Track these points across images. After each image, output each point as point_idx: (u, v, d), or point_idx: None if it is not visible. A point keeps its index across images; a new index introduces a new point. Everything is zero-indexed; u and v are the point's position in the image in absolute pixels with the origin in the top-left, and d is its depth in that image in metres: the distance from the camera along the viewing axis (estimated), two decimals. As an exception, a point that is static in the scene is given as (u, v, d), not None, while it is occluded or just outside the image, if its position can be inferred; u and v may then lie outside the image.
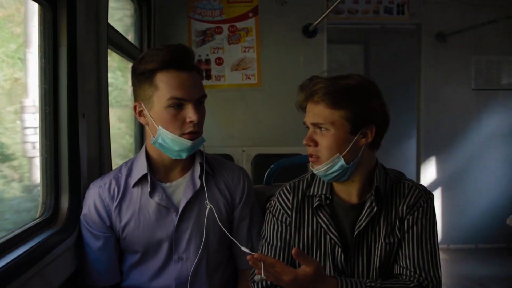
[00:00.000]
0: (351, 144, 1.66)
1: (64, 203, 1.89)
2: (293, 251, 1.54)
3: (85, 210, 1.87)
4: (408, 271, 1.69)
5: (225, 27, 4.38)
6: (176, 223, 1.85)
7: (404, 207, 1.73)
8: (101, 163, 2.20)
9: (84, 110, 2.00)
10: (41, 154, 1.85)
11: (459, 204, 5.77)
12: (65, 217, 1.87)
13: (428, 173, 5.72)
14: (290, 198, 1.83)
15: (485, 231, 5.75)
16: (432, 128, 5.69)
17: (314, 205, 1.77)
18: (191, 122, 1.77)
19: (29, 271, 1.48)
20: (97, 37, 2.19)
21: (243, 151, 4.42)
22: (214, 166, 1.96)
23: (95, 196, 1.86)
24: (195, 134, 1.80)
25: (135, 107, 1.83)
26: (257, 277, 1.56)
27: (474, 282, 4.77)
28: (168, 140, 1.77)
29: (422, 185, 1.79)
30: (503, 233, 5.51)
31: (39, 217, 1.82)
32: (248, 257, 1.50)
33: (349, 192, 1.76)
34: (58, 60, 1.88)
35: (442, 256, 5.31)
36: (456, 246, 5.77)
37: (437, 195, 5.73)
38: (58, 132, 1.89)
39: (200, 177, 1.89)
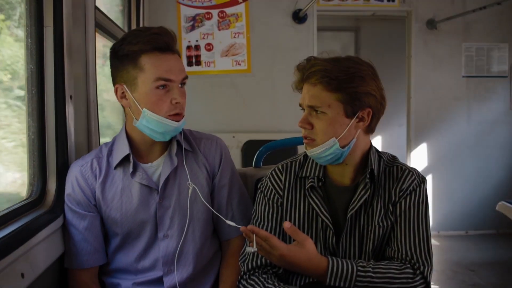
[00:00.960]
0: (347, 127, 1.65)
1: (52, 185, 1.87)
2: (285, 224, 1.55)
3: (68, 190, 1.85)
4: (400, 254, 1.69)
5: (214, 12, 4.35)
6: (158, 201, 1.85)
7: (397, 191, 1.73)
8: (89, 145, 2.18)
9: (71, 92, 1.98)
10: (28, 135, 1.82)
11: (449, 191, 5.81)
12: (52, 199, 1.85)
13: (418, 160, 5.74)
14: (282, 178, 1.82)
15: (475, 217, 5.81)
16: (422, 115, 5.72)
17: (307, 187, 1.76)
18: (177, 103, 1.77)
19: (15, 252, 1.46)
20: (85, 19, 2.16)
21: (233, 137, 4.41)
22: (191, 142, 1.96)
23: (78, 175, 1.85)
24: (180, 115, 1.80)
25: (116, 89, 1.81)
26: (249, 249, 1.55)
27: (464, 267, 4.81)
28: (153, 122, 1.76)
29: (415, 169, 1.80)
30: (493, 219, 5.57)
31: (26, 199, 1.80)
32: (241, 228, 1.52)
33: (342, 174, 1.76)
34: (44, 41, 1.86)
35: (432, 242, 5.37)
36: (446, 232, 5.82)
37: (427, 182, 5.71)
38: (44, 113, 1.87)
39: (177, 155, 1.89)
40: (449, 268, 4.77)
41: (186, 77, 1.83)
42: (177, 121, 1.79)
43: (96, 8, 2.34)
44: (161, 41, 1.76)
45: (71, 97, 1.97)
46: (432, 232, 5.59)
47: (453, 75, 5.73)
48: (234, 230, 1.94)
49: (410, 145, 5.78)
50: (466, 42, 5.69)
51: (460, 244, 5.57)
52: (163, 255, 1.87)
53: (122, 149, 1.86)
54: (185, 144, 1.91)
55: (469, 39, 5.69)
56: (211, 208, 1.88)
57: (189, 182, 1.86)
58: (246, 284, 1.74)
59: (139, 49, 1.74)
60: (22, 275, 1.50)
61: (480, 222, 5.79)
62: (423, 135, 5.76)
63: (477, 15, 5.35)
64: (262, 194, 1.84)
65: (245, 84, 4.47)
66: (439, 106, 5.73)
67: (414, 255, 1.68)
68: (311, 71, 1.64)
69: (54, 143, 1.88)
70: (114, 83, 1.83)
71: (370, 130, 1.74)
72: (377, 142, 7.51)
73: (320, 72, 1.62)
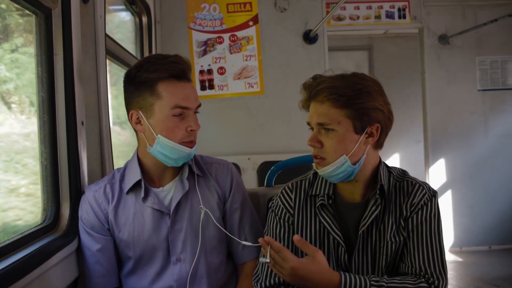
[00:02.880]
0: (357, 144, 1.65)
1: (65, 210, 1.90)
2: (295, 237, 1.55)
3: (82, 213, 1.89)
4: (414, 269, 1.67)
5: (226, 36, 4.41)
6: (169, 225, 1.87)
7: (408, 205, 1.72)
8: (103, 171, 2.22)
9: (83, 118, 2.02)
10: (41, 161, 1.86)
11: (470, 206, 5.72)
12: (66, 224, 1.88)
13: (437, 176, 5.68)
14: (292, 197, 1.82)
15: (497, 232, 5.70)
16: (439, 131, 5.67)
17: (317, 205, 1.76)
18: (192, 131, 1.81)
19: (29, 275, 1.49)
20: (95, 46, 2.21)
21: (249, 159, 4.43)
22: (202, 166, 1.98)
23: (91, 200, 1.88)
24: (193, 143, 1.84)
25: (131, 115, 1.84)
26: (262, 259, 1.56)
27: (488, 283, 4.72)
28: (167, 148, 1.79)
29: (425, 183, 1.78)
30: (516, 233, 5.48)
31: (40, 224, 1.83)
32: (259, 239, 1.55)
33: (352, 191, 1.75)
34: (54, 69, 1.90)
35: (455, 258, 5.31)
36: (469, 248, 5.71)
37: (447, 197, 5.70)
38: (56, 139, 1.91)
39: (188, 179, 1.91)
40: (473, 284, 4.69)
41: (200, 105, 1.86)
42: (190, 148, 1.82)
43: (107, 35, 2.39)
44: (178, 69, 1.80)
45: (82, 123, 2.00)
46: (454, 248, 5.53)
47: (468, 89, 5.68)
48: (248, 254, 1.97)
49: (428, 161, 5.72)
50: (479, 55, 5.66)
51: (483, 259, 5.46)
52: (177, 279, 1.88)
53: (134, 175, 1.89)
54: (196, 169, 1.93)
55: (483, 52, 5.65)
56: (223, 230, 1.88)
57: (201, 206, 1.87)
58: (259, 303, 1.73)
59: (156, 76, 1.77)
60: None
61: (503, 236, 5.69)
62: (440, 150, 5.71)
63: (489, 28, 5.33)
64: (273, 213, 1.85)
65: (258, 106, 4.50)
66: (455, 121, 5.68)
67: (428, 270, 1.65)
68: (318, 88, 1.64)
69: (66, 168, 1.92)
70: (128, 109, 1.86)
71: (379, 145, 1.73)
72: (395, 159, 7.47)
73: (328, 89, 1.62)
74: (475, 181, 5.73)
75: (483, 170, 5.71)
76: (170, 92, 1.77)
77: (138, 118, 1.83)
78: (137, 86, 1.80)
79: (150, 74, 1.78)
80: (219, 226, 1.87)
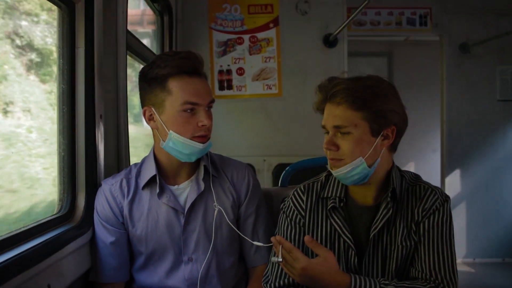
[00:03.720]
0: (374, 146, 1.65)
1: (81, 201, 1.93)
2: (306, 238, 1.55)
3: (98, 206, 1.92)
4: (424, 275, 1.67)
5: (246, 37, 4.41)
6: (183, 224, 1.88)
7: (420, 210, 1.71)
8: (119, 163, 2.24)
9: (101, 112, 2.05)
10: (59, 152, 1.89)
11: (485, 218, 5.66)
12: (81, 215, 1.90)
13: (453, 186, 5.64)
14: (304, 199, 1.83)
15: (511, 244, 5.63)
16: (456, 140, 5.63)
17: (328, 207, 1.76)
18: (203, 126, 1.81)
19: (43, 262, 1.52)
20: (116, 42, 2.24)
21: (264, 160, 4.43)
22: (219, 167, 1.99)
23: (107, 193, 1.91)
24: (205, 137, 1.84)
25: (144, 112, 1.87)
26: (273, 258, 1.57)
27: (501, 295, 4.68)
28: (179, 143, 1.81)
29: (438, 188, 1.77)
30: (530, 247, 5.42)
31: (55, 213, 1.85)
32: (272, 238, 1.56)
33: (364, 194, 1.75)
34: (76, 62, 1.93)
35: (468, 270, 5.26)
36: (482, 260, 5.66)
37: (463, 208, 5.65)
38: (75, 131, 1.93)
39: (204, 180, 1.92)
40: (485, 296, 4.66)
41: (212, 101, 1.87)
42: (203, 143, 1.83)
43: (128, 32, 2.41)
44: (189, 65, 1.81)
45: (101, 116, 2.03)
46: (468, 260, 5.48)
47: (488, 98, 5.63)
48: (259, 258, 1.99)
49: (444, 170, 5.68)
50: (500, 65, 5.61)
51: (496, 271, 5.40)
52: (188, 278, 1.90)
53: (150, 170, 1.91)
54: (212, 170, 1.94)
55: (504, 62, 5.60)
56: (236, 229, 1.89)
57: (215, 204, 1.89)
58: (268, 303, 1.74)
59: (167, 72, 1.79)
60: (49, 286, 1.54)
61: (518, 249, 5.63)
62: (457, 160, 5.66)
63: (511, 38, 5.28)
64: (285, 215, 1.85)
65: (275, 108, 4.50)
66: (474, 131, 5.63)
67: (439, 275, 1.65)
68: (334, 90, 1.64)
69: (83, 160, 1.95)
70: (142, 106, 1.88)
71: (393, 148, 1.73)
72: (410, 167, 7.42)
73: (344, 91, 1.62)
74: (491, 193, 5.67)
75: (499, 181, 5.66)
76: (180, 88, 1.79)
77: (151, 114, 1.85)
78: (149, 82, 1.83)
79: (160, 70, 1.80)
80: (232, 225, 1.88)
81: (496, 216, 5.66)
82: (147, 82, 1.83)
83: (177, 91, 1.79)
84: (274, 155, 4.48)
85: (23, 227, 1.61)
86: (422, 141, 7.07)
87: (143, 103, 1.87)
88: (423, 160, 7.16)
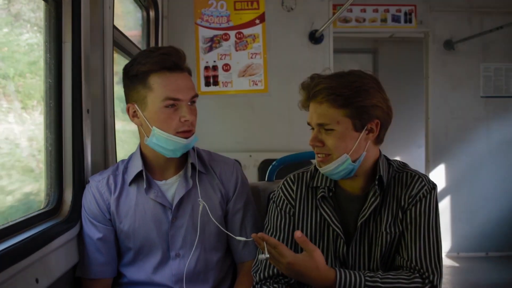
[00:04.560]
0: (358, 141, 1.67)
1: (68, 195, 1.92)
2: (296, 233, 1.56)
3: (85, 202, 1.92)
4: (409, 263, 1.69)
5: (232, 33, 4.42)
6: (170, 219, 1.88)
7: (407, 197, 1.74)
8: (106, 158, 2.24)
9: (89, 106, 2.04)
10: (46, 147, 1.88)
11: (469, 212, 5.74)
12: (68, 209, 1.89)
13: (437, 181, 5.67)
14: (294, 188, 1.85)
15: (495, 239, 5.72)
16: (440, 136, 5.70)
17: (318, 197, 1.78)
18: (186, 121, 1.81)
19: (30, 256, 1.51)
20: (103, 37, 2.23)
21: (250, 156, 4.44)
22: (207, 163, 2.00)
23: (94, 190, 1.91)
24: (189, 132, 1.84)
25: (128, 109, 1.87)
26: (261, 256, 1.57)
27: (484, 289, 4.74)
28: (162, 139, 1.81)
29: (425, 175, 1.80)
30: (513, 241, 5.49)
31: (43, 208, 1.85)
32: (253, 235, 1.55)
33: (352, 185, 1.78)
34: (62, 56, 1.93)
35: (452, 263, 5.32)
36: (466, 254, 5.74)
37: (447, 203, 5.72)
38: (62, 126, 1.93)
39: (192, 175, 1.92)
40: (469, 290, 4.72)
41: (195, 96, 1.86)
42: (186, 138, 1.83)
43: (115, 27, 2.41)
44: (169, 61, 1.80)
45: (88, 111, 2.02)
46: (452, 254, 5.54)
47: (472, 95, 5.71)
48: (247, 253, 1.99)
49: (429, 166, 5.75)
50: (484, 62, 5.68)
51: (480, 265, 5.48)
52: (175, 273, 1.90)
53: (136, 166, 1.91)
54: (199, 166, 1.95)
55: (487, 59, 5.68)
56: (221, 227, 1.89)
57: (200, 199, 1.89)
58: (257, 293, 1.75)
59: (148, 69, 1.79)
60: (37, 280, 1.54)
61: (501, 243, 5.71)
62: (441, 156, 5.73)
63: (494, 35, 5.35)
64: (275, 204, 1.87)
65: (262, 104, 4.51)
66: (457, 127, 5.71)
67: (424, 264, 1.67)
68: (316, 89, 1.66)
69: (71, 155, 1.94)
70: (126, 102, 1.89)
71: (379, 140, 1.75)
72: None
73: (326, 90, 1.64)
74: (475, 188, 5.75)
75: (483, 176, 5.74)
76: (161, 84, 1.79)
77: (134, 111, 1.85)
78: (131, 79, 1.83)
79: (142, 67, 1.80)
80: (216, 223, 1.88)
81: (480, 210, 5.74)
82: (129, 79, 1.83)
83: (158, 87, 1.78)
84: (260, 150, 4.49)
85: (11, 221, 1.60)
86: (407, 137, 7.13)
87: (127, 100, 1.87)
88: (408, 156, 7.21)
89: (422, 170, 5.76)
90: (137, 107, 1.83)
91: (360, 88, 1.65)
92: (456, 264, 5.46)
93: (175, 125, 1.80)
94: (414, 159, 6.99)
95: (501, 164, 5.75)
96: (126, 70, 1.85)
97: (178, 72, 1.83)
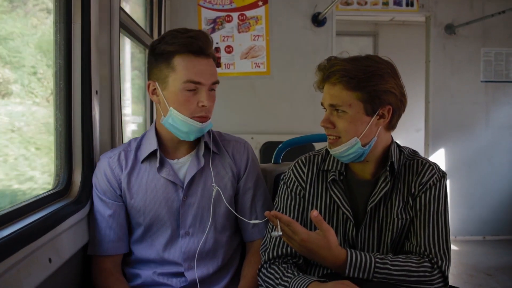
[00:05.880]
0: (368, 125, 1.68)
1: (77, 176, 1.93)
2: (313, 212, 1.58)
3: (96, 179, 1.93)
4: (418, 248, 1.71)
5: (235, 15, 4.41)
6: (181, 198, 1.90)
7: (417, 184, 1.76)
8: (112, 139, 2.25)
9: (97, 87, 2.04)
10: (55, 128, 1.88)
11: (467, 196, 5.78)
12: (78, 190, 1.90)
13: (436, 165, 5.71)
14: (305, 170, 1.86)
15: (492, 223, 5.77)
16: (440, 120, 5.71)
17: (329, 180, 1.80)
18: (203, 106, 1.82)
19: (43, 237, 1.52)
20: (110, 19, 2.23)
21: (252, 138, 4.46)
22: (219, 143, 2.01)
23: (105, 166, 1.92)
24: (205, 118, 1.85)
25: (148, 85, 1.88)
26: (274, 233, 1.58)
27: (481, 272, 4.78)
28: (178, 121, 1.82)
29: (435, 163, 1.82)
30: (510, 225, 5.55)
31: (53, 189, 1.86)
32: (266, 213, 1.56)
33: (363, 170, 1.80)
34: (72, 37, 1.92)
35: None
36: (463, 237, 5.79)
37: (445, 186, 5.73)
38: (71, 106, 1.93)
39: (204, 155, 1.94)
40: (465, 272, 4.75)
41: (216, 82, 1.87)
42: (202, 122, 1.84)
43: (121, 9, 2.40)
44: (196, 45, 1.81)
45: (96, 92, 2.03)
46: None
47: (472, 80, 5.71)
48: (257, 232, 2.02)
49: (428, 149, 5.76)
50: (484, 47, 5.68)
51: (477, 249, 5.53)
52: (184, 251, 1.92)
53: (151, 144, 1.92)
54: (212, 147, 1.96)
55: (488, 44, 5.68)
56: (233, 211, 1.92)
57: (214, 184, 1.91)
58: (266, 273, 1.77)
59: (174, 49, 1.80)
60: (50, 260, 1.55)
61: (498, 227, 5.76)
62: (441, 140, 5.75)
63: (496, 20, 5.35)
64: (285, 186, 1.88)
65: (264, 86, 4.52)
66: (457, 111, 5.72)
67: (433, 250, 1.70)
68: (331, 70, 1.67)
69: (80, 135, 1.94)
70: (148, 79, 1.90)
71: (391, 126, 1.76)
72: (396, 146, 7.49)
73: (340, 72, 1.65)
74: (473, 172, 5.78)
75: (482, 161, 5.77)
76: (184, 66, 1.80)
77: (154, 89, 1.86)
78: (156, 57, 1.84)
79: (168, 47, 1.80)
80: (229, 207, 1.90)
81: (478, 194, 5.78)
82: (154, 56, 1.84)
83: (181, 69, 1.79)
84: (262, 133, 4.51)
85: (22, 202, 1.61)
86: (406, 121, 7.08)
87: (149, 76, 1.89)
88: (407, 139, 7.22)
89: (421, 153, 5.80)
90: (157, 85, 1.84)
91: (374, 73, 1.65)
92: (454, 247, 5.51)
93: (193, 108, 1.82)
94: (413, 142, 7.00)
95: (499, 149, 5.78)
96: (153, 47, 1.86)
97: (202, 57, 1.83)
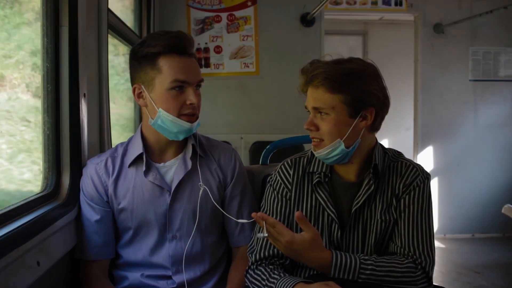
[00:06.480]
0: (351, 127, 1.69)
1: (66, 179, 1.93)
2: (297, 214, 1.59)
3: (83, 185, 1.94)
4: (402, 250, 1.73)
5: (224, 15, 4.42)
6: (169, 202, 1.91)
7: (401, 186, 1.77)
8: (101, 142, 2.25)
9: (85, 90, 2.05)
10: (43, 131, 1.89)
11: (456, 194, 5.83)
12: (66, 193, 1.91)
13: (425, 163, 5.74)
14: (291, 172, 1.87)
15: (481, 220, 5.82)
16: (429, 119, 5.75)
17: (314, 182, 1.81)
18: (191, 104, 1.83)
19: (31, 240, 1.53)
20: (98, 20, 2.23)
21: (241, 138, 4.47)
22: (206, 148, 2.02)
23: (92, 172, 1.93)
24: (193, 116, 1.87)
25: (134, 89, 1.88)
26: (259, 234, 1.60)
27: (470, 269, 4.83)
28: (167, 122, 1.83)
29: (419, 165, 1.83)
30: (499, 223, 5.59)
31: (41, 192, 1.86)
32: (253, 214, 1.58)
33: (347, 172, 1.81)
34: (60, 40, 1.93)
35: (438, 245, 5.40)
36: (452, 235, 5.83)
37: (434, 185, 5.77)
38: (59, 110, 1.93)
39: (192, 159, 1.95)
40: (454, 270, 4.79)
41: (202, 80, 1.89)
42: (191, 122, 1.85)
43: (109, 10, 2.41)
44: (179, 44, 1.83)
45: (84, 95, 2.03)
46: (438, 235, 5.62)
47: (460, 79, 5.76)
48: (243, 238, 2.03)
49: (417, 148, 5.80)
50: (473, 46, 5.73)
51: (466, 247, 5.58)
52: (172, 255, 1.93)
53: (136, 148, 1.93)
54: (199, 150, 1.97)
55: (476, 43, 5.72)
56: (220, 209, 1.93)
57: (200, 183, 1.92)
58: (253, 274, 1.79)
59: (157, 51, 1.81)
60: (38, 263, 1.56)
61: (487, 225, 5.81)
62: (430, 138, 5.79)
63: (484, 19, 5.39)
64: (272, 188, 1.90)
65: (253, 86, 4.52)
66: (446, 110, 5.76)
67: (417, 251, 1.72)
68: (313, 73, 1.69)
69: (68, 138, 1.95)
70: (132, 83, 1.90)
71: (374, 128, 1.78)
72: (384, 145, 7.52)
73: (322, 74, 1.66)
74: (462, 170, 5.82)
75: (470, 159, 5.81)
76: (170, 66, 1.81)
77: (140, 92, 1.86)
78: (140, 60, 1.84)
79: (151, 49, 1.81)
80: (216, 205, 1.91)
81: (467, 193, 5.83)
82: (137, 60, 1.85)
83: (167, 69, 1.80)
84: (251, 133, 4.52)
85: (11, 205, 1.62)
86: (395, 120, 7.17)
87: (133, 80, 1.89)
88: (396, 138, 7.28)
89: (410, 152, 5.86)
90: (143, 88, 1.85)
91: (357, 75, 1.67)
92: (442, 245, 5.55)
93: (180, 107, 1.83)
94: (402, 141, 7.07)
95: (488, 147, 5.83)
96: (135, 52, 1.86)
97: (186, 56, 1.85)
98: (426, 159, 5.78)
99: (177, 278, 1.93)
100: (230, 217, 1.93)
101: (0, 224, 1.50)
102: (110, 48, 2.92)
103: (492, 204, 5.66)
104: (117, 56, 3.21)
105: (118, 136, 3.30)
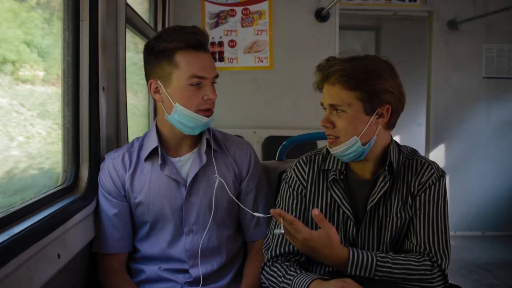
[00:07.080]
0: (367, 125, 1.70)
1: (84, 172, 1.95)
2: (314, 211, 1.60)
3: (101, 179, 1.96)
4: (418, 247, 1.73)
5: (238, 9, 4.41)
6: (184, 196, 1.92)
7: (416, 183, 1.78)
8: (118, 135, 2.27)
9: (104, 84, 2.06)
10: (63, 124, 1.90)
11: (467, 192, 5.79)
12: (85, 186, 1.93)
13: (437, 160, 5.70)
14: (306, 170, 1.88)
15: (492, 218, 5.79)
16: (441, 115, 5.71)
17: (329, 179, 1.82)
18: (208, 99, 1.85)
19: (52, 233, 1.55)
20: (116, 14, 2.24)
21: (254, 132, 4.47)
22: (221, 142, 2.04)
23: (110, 167, 1.95)
24: (209, 111, 1.88)
25: (150, 84, 1.89)
26: (276, 231, 1.62)
27: (480, 267, 4.81)
28: (184, 116, 1.84)
29: (434, 162, 1.83)
30: (509, 221, 5.58)
31: (60, 185, 1.88)
32: (271, 210, 1.59)
33: (362, 169, 1.81)
34: (80, 34, 1.94)
35: (448, 241, 5.37)
36: (463, 233, 5.80)
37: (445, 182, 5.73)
38: (79, 103, 1.95)
39: (206, 153, 1.96)
40: (464, 268, 4.78)
41: (217, 76, 1.90)
42: (207, 117, 1.87)
43: (127, 4, 2.42)
44: (195, 40, 1.84)
45: (103, 88, 2.05)
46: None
47: (474, 76, 5.71)
48: (259, 233, 2.05)
49: (429, 145, 5.77)
50: (487, 43, 5.68)
51: (476, 244, 5.56)
52: (189, 248, 1.95)
53: (152, 142, 1.94)
54: (214, 145, 1.98)
55: (490, 40, 5.68)
56: (236, 201, 1.95)
57: (216, 175, 1.93)
58: (269, 271, 1.80)
59: (174, 46, 1.82)
60: (59, 256, 1.58)
61: (497, 223, 5.78)
62: (442, 135, 5.76)
63: (498, 16, 5.34)
64: (287, 185, 1.91)
65: (266, 81, 4.52)
66: (458, 107, 5.72)
67: (433, 249, 1.72)
68: (330, 70, 1.69)
69: (87, 132, 1.97)
70: (147, 78, 1.91)
71: (390, 125, 1.78)
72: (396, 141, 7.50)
73: (339, 72, 1.67)
74: (474, 167, 5.79)
75: (482, 157, 5.77)
76: (188, 62, 1.82)
77: (156, 87, 1.88)
78: (156, 56, 1.85)
79: (168, 44, 1.82)
80: (232, 196, 1.93)
81: (478, 190, 5.79)
82: (153, 55, 1.86)
83: (184, 65, 1.81)
84: (264, 127, 4.52)
85: (31, 198, 1.63)
86: (407, 116, 7.11)
87: (149, 76, 1.90)
88: (408, 134, 7.26)
89: (422, 148, 5.83)
90: (160, 83, 1.86)
91: (373, 72, 1.67)
92: (453, 243, 5.46)
93: (198, 103, 1.84)
94: (414, 138, 7.05)
95: (500, 145, 5.79)
96: (150, 46, 1.87)
97: (202, 51, 1.87)
98: (437, 155, 5.75)
99: (194, 272, 1.94)
100: (245, 208, 1.94)
101: (22, 217, 1.52)
102: (132, 46, 2.95)
103: (503, 202, 5.65)
104: (138, 53, 3.23)
105: (146, 123, 3.44)
